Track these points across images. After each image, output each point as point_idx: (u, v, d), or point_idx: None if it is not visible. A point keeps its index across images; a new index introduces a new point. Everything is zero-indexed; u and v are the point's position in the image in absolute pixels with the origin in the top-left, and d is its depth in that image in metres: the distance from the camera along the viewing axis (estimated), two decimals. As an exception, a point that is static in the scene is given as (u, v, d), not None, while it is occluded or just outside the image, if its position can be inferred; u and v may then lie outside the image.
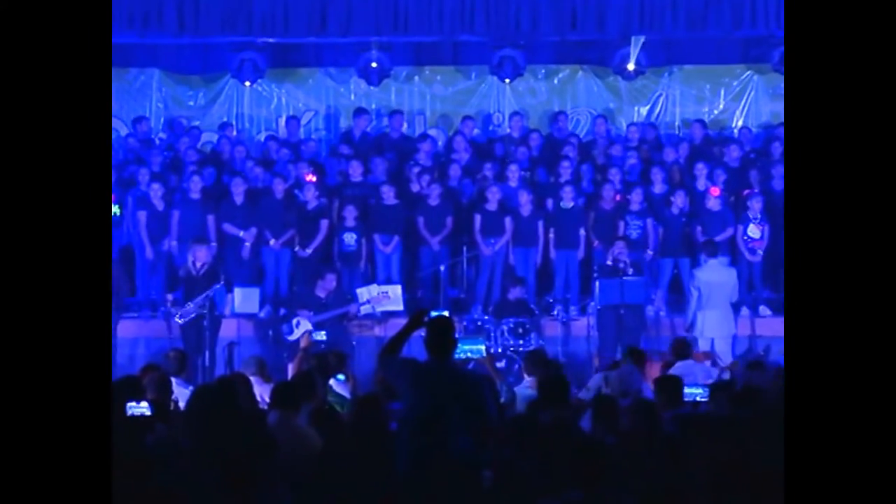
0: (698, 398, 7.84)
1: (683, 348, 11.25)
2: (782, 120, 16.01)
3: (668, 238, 14.62)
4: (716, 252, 13.67)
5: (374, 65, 16.57)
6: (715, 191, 14.67)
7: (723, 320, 13.30)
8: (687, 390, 7.86)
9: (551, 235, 14.63)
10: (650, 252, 14.50)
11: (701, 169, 15.12)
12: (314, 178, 14.98)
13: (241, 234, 14.51)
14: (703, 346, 13.11)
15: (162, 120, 17.46)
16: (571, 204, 14.74)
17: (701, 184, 15.04)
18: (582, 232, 14.65)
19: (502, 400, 8.79)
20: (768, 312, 14.34)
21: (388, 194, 14.70)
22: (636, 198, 14.67)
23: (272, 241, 14.50)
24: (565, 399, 7.68)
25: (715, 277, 13.35)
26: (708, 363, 11.91)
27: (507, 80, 16.92)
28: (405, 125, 16.97)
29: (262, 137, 17.45)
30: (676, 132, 17.42)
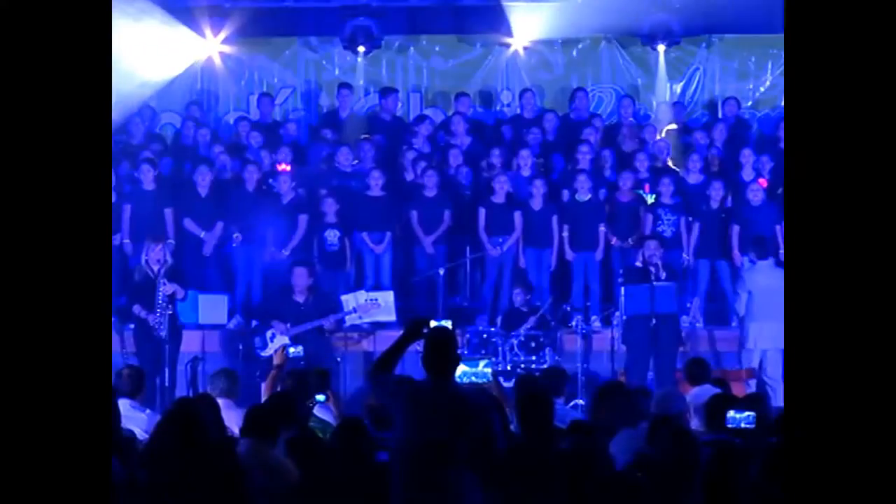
0: (743, 424, 7.78)
1: (698, 371, 11.11)
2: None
3: (705, 236, 14.60)
4: (767, 252, 13.64)
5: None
6: (763, 182, 14.64)
7: (776, 332, 13.24)
8: (732, 415, 7.79)
9: (566, 234, 14.62)
10: (686, 256, 14.51)
11: (747, 156, 15.15)
12: (288, 167, 14.94)
13: (203, 234, 14.47)
14: (753, 361, 13.12)
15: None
16: (588, 196, 14.72)
17: (747, 173, 15.04)
18: (602, 228, 14.65)
19: (512, 427, 8.74)
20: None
21: (376, 184, 14.68)
22: (667, 189, 14.66)
23: (236, 237, 14.46)
24: (548, 421, 7.54)
25: (764, 281, 13.33)
26: (753, 382, 11.82)
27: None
28: (400, 105, 16.94)
29: (231, 119, 17.42)
30: (715, 112, 17.42)
